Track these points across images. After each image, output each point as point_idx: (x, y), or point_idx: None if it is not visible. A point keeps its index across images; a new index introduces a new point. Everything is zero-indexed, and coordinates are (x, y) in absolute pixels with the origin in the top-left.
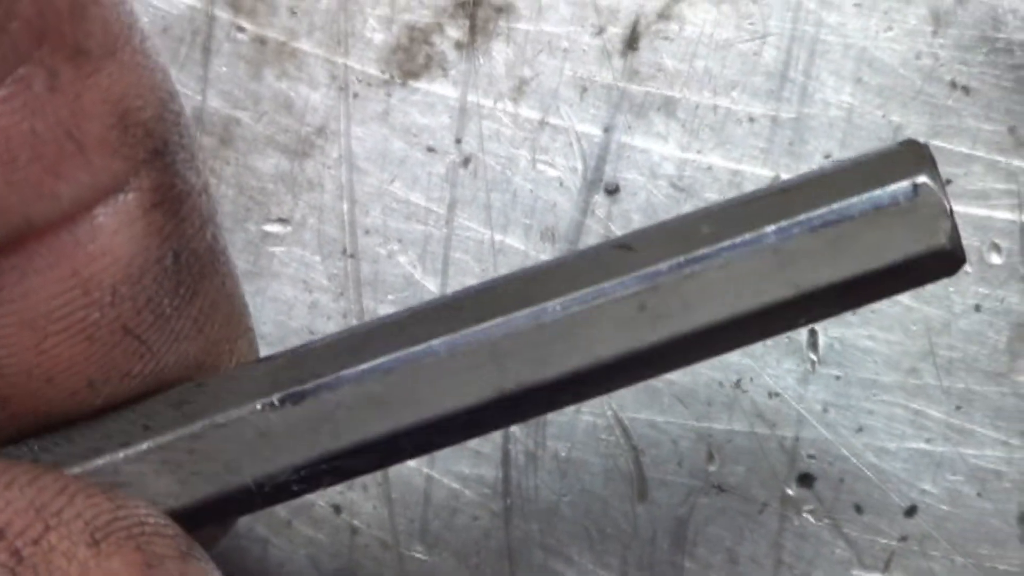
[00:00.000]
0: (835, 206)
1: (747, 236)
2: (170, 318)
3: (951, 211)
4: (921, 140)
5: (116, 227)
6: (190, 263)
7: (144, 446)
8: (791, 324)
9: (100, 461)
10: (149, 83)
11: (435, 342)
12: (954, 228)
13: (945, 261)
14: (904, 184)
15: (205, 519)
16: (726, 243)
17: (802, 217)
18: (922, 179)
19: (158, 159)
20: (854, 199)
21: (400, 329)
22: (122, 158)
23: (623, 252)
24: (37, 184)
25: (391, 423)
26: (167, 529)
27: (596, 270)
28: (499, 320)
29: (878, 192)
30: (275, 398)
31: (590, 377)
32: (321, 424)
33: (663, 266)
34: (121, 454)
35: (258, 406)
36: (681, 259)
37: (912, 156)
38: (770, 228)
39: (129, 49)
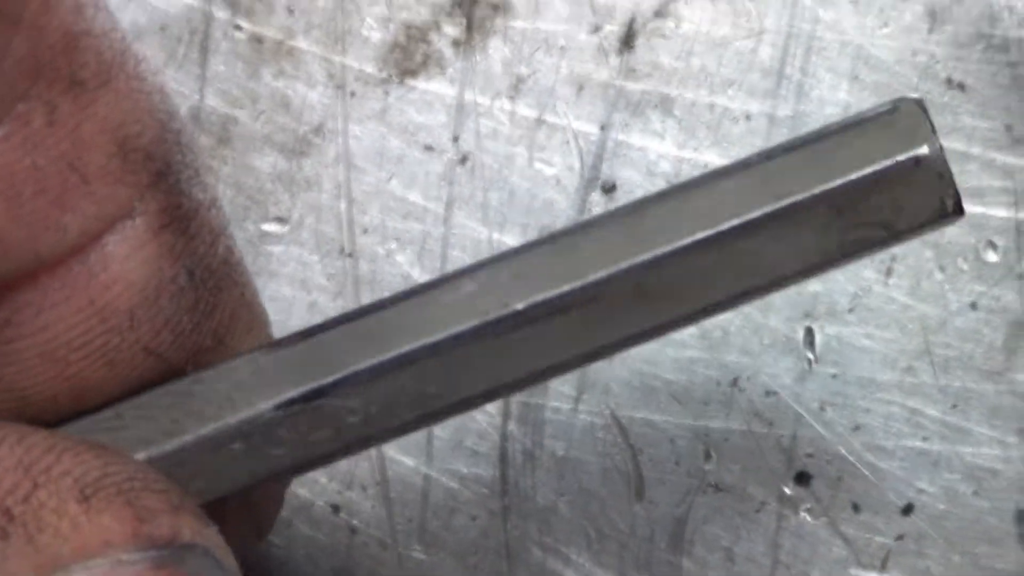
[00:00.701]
0: (817, 130)
1: (730, 165)
2: (191, 334)
3: (934, 129)
4: None
5: (127, 253)
6: (205, 279)
7: (148, 395)
8: (786, 257)
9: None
10: (146, 107)
11: (425, 286)
12: (936, 143)
13: (932, 180)
14: (886, 106)
15: (201, 468)
16: (710, 173)
17: (784, 143)
18: (904, 101)
19: (162, 181)
20: (835, 123)
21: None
22: (126, 185)
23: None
24: (43, 218)
25: (377, 354)
26: (157, 484)
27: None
28: (489, 259)
29: (859, 114)
30: (274, 343)
31: (580, 301)
32: (312, 359)
33: (650, 197)
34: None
35: (259, 351)
36: (666, 189)
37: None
38: (753, 156)
39: (123, 76)
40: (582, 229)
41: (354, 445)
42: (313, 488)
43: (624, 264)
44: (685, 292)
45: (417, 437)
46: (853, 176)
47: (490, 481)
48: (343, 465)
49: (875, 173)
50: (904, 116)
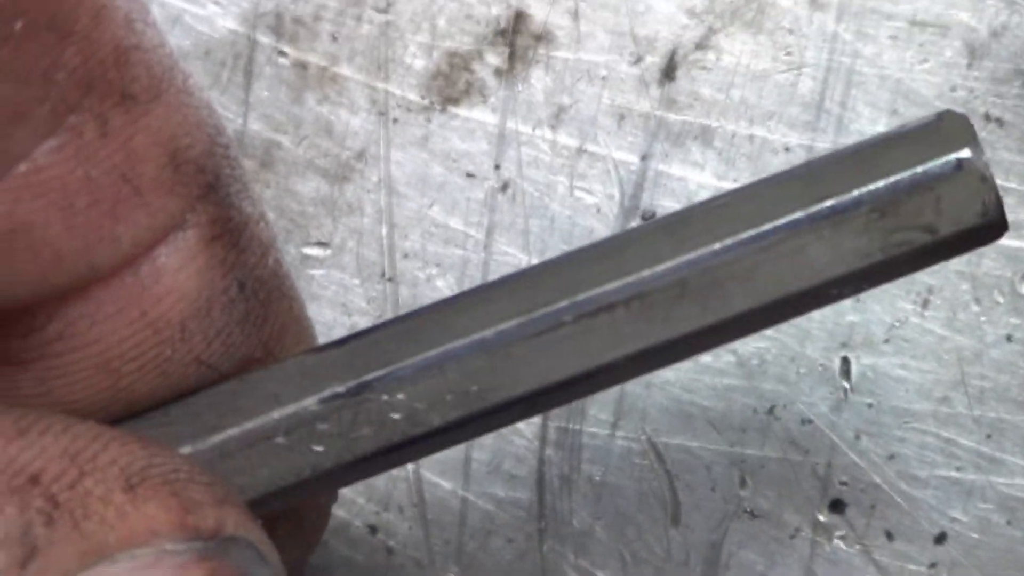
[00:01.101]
0: (863, 140)
1: (774, 174)
2: (241, 345)
3: (977, 136)
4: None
5: (179, 265)
6: (256, 290)
7: (195, 395)
8: (829, 259)
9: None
10: (196, 120)
11: (471, 290)
12: (979, 147)
13: (974, 182)
14: (931, 116)
15: (245, 463)
16: (755, 182)
17: (827, 153)
18: (948, 112)
19: (212, 193)
20: (880, 133)
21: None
22: (177, 196)
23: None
24: (97, 229)
25: (421, 350)
26: (202, 476)
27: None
28: (534, 266)
29: (904, 124)
30: (321, 346)
31: (625, 298)
32: (358, 356)
33: (695, 204)
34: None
35: (305, 353)
36: (712, 196)
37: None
38: (798, 165)
39: (173, 90)
40: (627, 233)
41: (396, 449)
42: (351, 509)
43: (668, 262)
44: (729, 292)
45: (455, 460)
46: (894, 177)
47: (527, 504)
48: (381, 486)
49: (917, 175)
50: (948, 123)
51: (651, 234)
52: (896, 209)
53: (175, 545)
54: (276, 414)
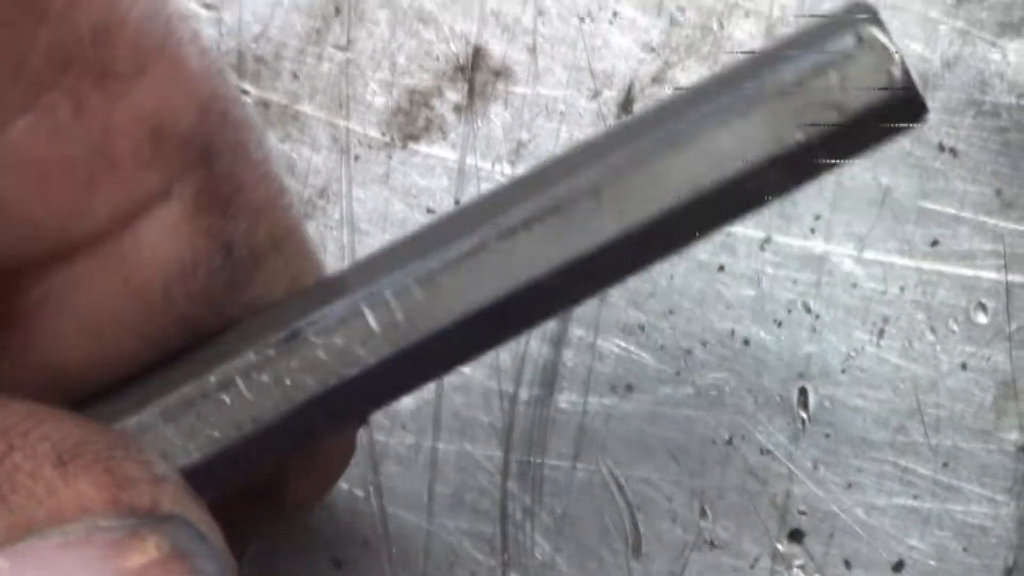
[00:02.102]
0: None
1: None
2: (225, 306)
3: (877, 14)
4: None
5: (160, 235)
6: (243, 256)
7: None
8: (741, 148)
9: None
10: (185, 92)
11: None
12: (879, 20)
13: (876, 53)
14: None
15: (186, 427)
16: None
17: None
18: (851, 2)
19: (200, 164)
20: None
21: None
22: (157, 170)
23: None
24: (71, 201)
25: (348, 292)
26: (140, 454)
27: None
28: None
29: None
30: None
31: (541, 214)
32: (288, 312)
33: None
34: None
35: (246, 320)
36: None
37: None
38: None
39: (163, 62)
40: (545, 159)
41: (334, 393)
42: (316, 542)
43: (581, 172)
44: (644, 195)
45: (418, 494)
46: (797, 62)
47: (490, 537)
48: (345, 521)
49: (819, 55)
50: (850, 10)
51: (568, 154)
52: (802, 90)
53: (108, 521)
54: (214, 373)
